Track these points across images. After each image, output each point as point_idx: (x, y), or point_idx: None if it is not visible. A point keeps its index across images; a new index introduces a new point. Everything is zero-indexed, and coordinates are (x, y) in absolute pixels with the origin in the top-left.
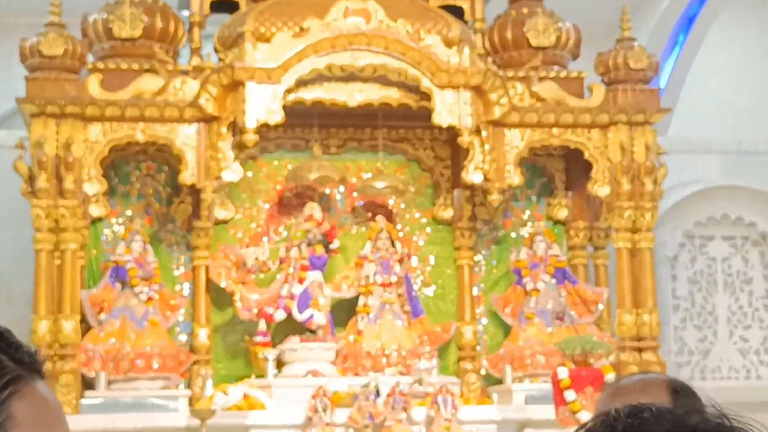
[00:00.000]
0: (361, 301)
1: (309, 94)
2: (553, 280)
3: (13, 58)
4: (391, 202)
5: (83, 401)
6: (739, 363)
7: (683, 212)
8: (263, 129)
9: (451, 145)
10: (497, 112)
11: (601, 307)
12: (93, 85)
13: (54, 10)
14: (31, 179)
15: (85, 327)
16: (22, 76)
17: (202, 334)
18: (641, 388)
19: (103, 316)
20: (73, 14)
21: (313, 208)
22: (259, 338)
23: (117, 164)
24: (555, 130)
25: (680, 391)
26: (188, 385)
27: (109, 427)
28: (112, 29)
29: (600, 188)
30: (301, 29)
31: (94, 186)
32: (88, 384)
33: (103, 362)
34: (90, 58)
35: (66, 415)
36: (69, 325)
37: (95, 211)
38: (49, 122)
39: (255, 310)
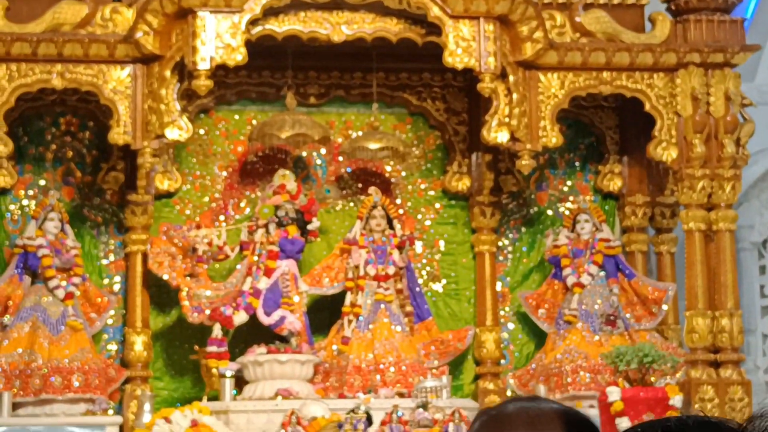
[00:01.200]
0: (349, 299)
1: (280, 26)
2: (602, 273)
3: None
4: (388, 168)
5: None
6: None
7: None
8: (220, 72)
9: (468, 94)
10: (529, 51)
11: (665, 308)
12: None
13: None
14: None
15: None
16: None
17: (139, 343)
18: (528, 421)
19: (7, 318)
20: None
21: (285, 177)
22: (212, 348)
23: (27, 118)
24: (605, 74)
25: (577, 426)
26: (119, 410)
27: None
28: None
29: (665, 151)
30: None
31: None
32: None
33: (6, 379)
34: None
35: None
36: None
37: None
38: None
39: (208, 311)
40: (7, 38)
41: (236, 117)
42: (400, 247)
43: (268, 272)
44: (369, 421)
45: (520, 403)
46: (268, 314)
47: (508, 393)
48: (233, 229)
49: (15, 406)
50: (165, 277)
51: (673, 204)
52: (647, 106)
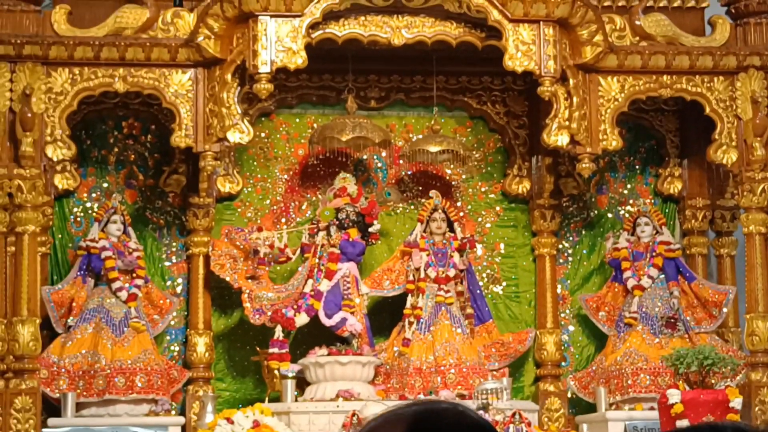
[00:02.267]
0: (410, 301)
1: (341, 30)
2: (663, 276)
3: None
4: (448, 171)
5: (45, 431)
6: None
7: None
8: (280, 75)
9: (528, 98)
10: (589, 54)
11: (725, 311)
12: (59, 20)
13: None
14: None
15: (48, 334)
16: None
17: (201, 344)
18: (382, 426)
19: (71, 319)
20: None
21: (346, 180)
22: (274, 350)
23: (89, 122)
24: (665, 78)
25: (422, 428)
26: (182, 411)
27: None
28: None
29: (725, 154)
30: None
31: (60, 150)
32: (51, 408)
33: (71, 380)
34: None
35: None
36: (27, 331)
37: (61, 182)
38: (2, 67)
39: (269, 313)
40: (70, 42)
41: (297, 120)
42: (461, 250)
43: (329, 274)
44: None
45: (397, 408)
46: (329, 316)
47: (569, 395)
48: (294, 232)
49: (79, 407)
50: (227, 279)
51: (733, 207)
52: (707, 110)
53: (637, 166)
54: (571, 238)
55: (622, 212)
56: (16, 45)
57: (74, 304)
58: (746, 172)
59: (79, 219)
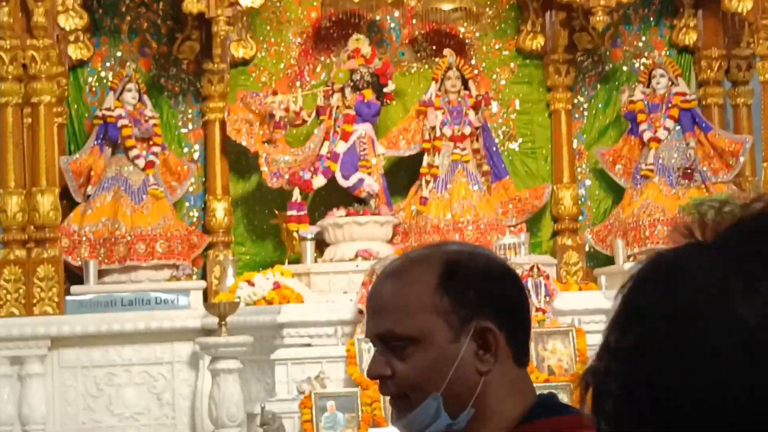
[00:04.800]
0: (426, 160)
1: None
2: (679, 127)
3: None
4: (462, 29)
5: (68, 298)
6: None
7: None
8: None
9: None
10: None
11: (742, 160)
12: None
13: None
14: None
15: (68, 203)
16: None
17: (220, 210)
18: (393, 269)
19: (90, 188)
20: None
21: (359, 41)
22: (292, 212)
23: None
24: None
25: (462, 272)
26: (203, 275)
27: (103, 330)
28: None
29: (740, 2)
30: None
31: (72, 20)
32: (74, 276)
33: (92, 248)
34: None
35: (48, 316)
36: (47, 201)
37: (75, 52)
38: None
39: (286, 176)
40: None
41: None
42: (476, 108)
43: (345, 136)
44: None
45: (418, 250)
46: (346, 177)
47: (586, 248)
48: (309, 95)
49: (100, 274)
50: (243, 143)
51: (749, 56)
52: None
53: (651, 18)
54: (586, 93)
55: (637, 65)
56: None
57: (92, 173)
58: (762, 19)
59: (94, 89)
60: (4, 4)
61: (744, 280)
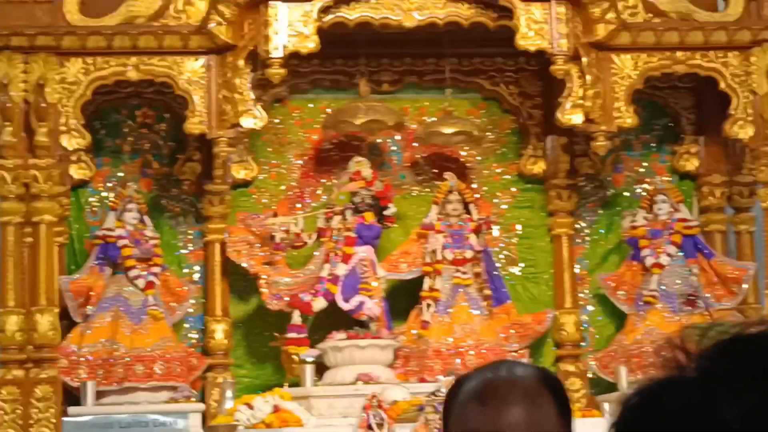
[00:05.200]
0: (427, 283)
1: (352, 13)
2: (681, 253)
3: None
4: (463, 153)
5: (66, 419)
6: None
7: None
8: (293, 61)
9: (541, 78)
10: (602, 32)
11: (745, 287)
12: (71, 10)
13: None
14: None
15: (67, 323)
16: None
17: (219, 331)
18: (525, 394)
19: (89, 308)
20: None
21: (360, 164)
22: (292, 335)
23: (103, 111)
24: (679, 54)
25: (556, 386)
26: (202, 397)
27: None
28: None
29: (741, 129)
30: None
31: (74, 140)
32: (72, 397)
33: (90, 369)
34: None
35: None
36: (46, 321)
37: (77, 172)
38: (15, 58)
39: (287, 299)
40: (83, 32)
41: (310, 105)
42: (477, 232)
43: (346, 258)
44: None
45: (504, 372)
46: (346, 300)
47: (589, 375)
48: (310, 217)
49: (99, 395)
50: (244, 264)
51: (750, 183)
52: (722, 85)
53: (652, 144)
54: (588, 218)
55: (638, 190)
56: (30, 36)
57: (92, 293)
58: (763, 146)
59: (95, 209)
60: (7, 123)
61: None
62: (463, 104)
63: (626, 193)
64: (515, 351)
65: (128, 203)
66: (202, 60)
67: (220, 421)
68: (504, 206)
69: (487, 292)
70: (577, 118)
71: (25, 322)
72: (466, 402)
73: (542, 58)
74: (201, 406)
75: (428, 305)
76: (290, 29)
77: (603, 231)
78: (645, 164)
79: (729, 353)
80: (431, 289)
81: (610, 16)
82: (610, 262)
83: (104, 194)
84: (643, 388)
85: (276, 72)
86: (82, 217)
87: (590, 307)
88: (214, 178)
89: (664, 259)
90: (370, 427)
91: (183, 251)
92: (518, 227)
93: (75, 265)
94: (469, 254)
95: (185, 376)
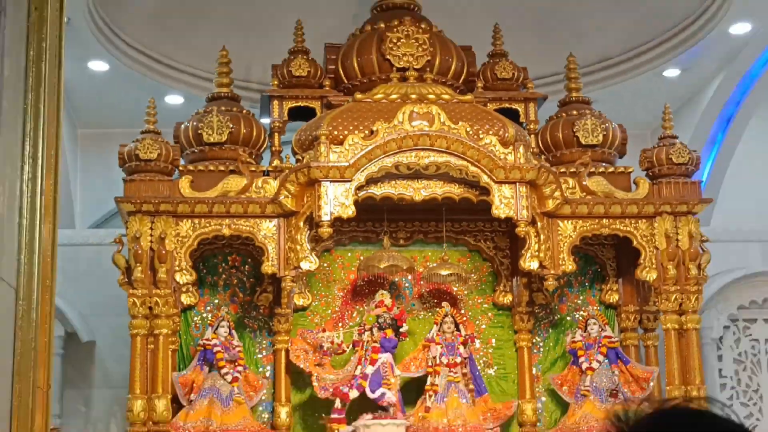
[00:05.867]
0: (429, 380)
1: (378, 190)
2: (607, 360)
3: (112, 165)
4: (455, 289)
5: None
6: None
7: (727, 296)
8: (337, 223)
9: (509, 236)
10: (551, 205)
11: (652, 384)
12: (184, 186)
13: (149, 119)
14: (127, 271)
15: (176, 406)
16: (120, 179)
17: (283, 413)
18: None
19: (192, 395)
20: (165, 123)
21: (383, 295)
22: (334, 415)
23: (205, 257)
24: (605, 221)
25: None
26: None
27: None
28: (201, 135)
29: (648, 274)
30: (371, 132)
31: (184, 276)
32: None
33: None
34: (181, 161)
35: None
36: (162, 404)
37: (186, 299)
38: (145, 219)
39: (331, 390)
40: (192, 201)
41: (349, 254)
42: (465, 344)
43: (373, 362)
44: None
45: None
46: (373, 391)
47: None
48: (348, 332)
49: None
50: (301, 366)
51: (655, 311)
52: (634, 243)
53: (586, 283)
54: (541, 335)
55: (577, 316)
56: (155, 203)
57: (194, 384)
58: (663, 286)
59: (198, 324)
60: (137, 264)
61: None
62: (455, 254)
63: (568, 318)
64: (491, 428)
65: (221, 321)
66: (274, 222)
67: None
68: (483, 326)
69: (472, 387)
70: (534, 265)
71: (147, 405)
72: None
73: (510, 222)
74: None
75: (430, 396)
76: (335, 201)
77: (552, 344)
78: (581, 297)
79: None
80: (432, 385)
81: (557, 194)
82: (557, 366)
83: (204, 315)
84: None
85: (325, 231)
86: (188, 331)
87: (543, 398)
88: (282, 304)
89: (594, 365)
90: None
91: (259, 356)
92: (493, 341)
93: (183, 365)
94: (458, 360)
95: None
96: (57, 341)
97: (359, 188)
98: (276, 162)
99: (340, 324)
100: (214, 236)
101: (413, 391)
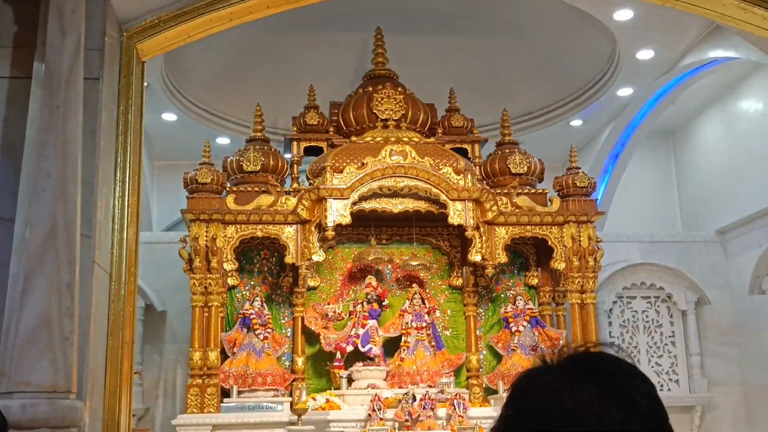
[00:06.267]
0: (403, 339)
1: (368, 205)
2: (529, 325)
3: (178, 187)
4: (422, 275)
5: (222, 405)
6: (655, 381)
7: (615, 280)
8: (338, 228)
9: (460, 237)
10: (490, 216)
11: (561, 342)
12: (229, 201)
13: (205, 155)
14: (189, 261)
15: (224, 356)
16: (184, 196)
17: (300, 361)
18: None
19: (235, 349)
20: (216, 157)
21: (371, 279)
22: (336, 364)
23: (245, 251)
24: (528, 227)
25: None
26: (290, 394)
27: (239, 421)
28: (242, 166)
29: (559, 264)
30: (362, 164)
31: (230, 265)
32: (225, 393)
33: (235, 379)
34: (228, 184)
35: (211, 414)
36: (213, 355)
37: (231, 281)
38: (201, 225)
39: (333, 345)
40: (235, 213)
41: (346, 250)
42: (429, 313)
43: (363, 326)
44: (414, 398)
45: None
46: (363, 346)
47: (484, 385)
48: (346, 305)
49: (239, 393)
50: (312, 329)
51: (564, 290)
52: (549, 242)
53: (515, 271)
54: (483, 307)
55: (508, 294)
56: (209, 214)
57: (236, 341)
58: (569, 273)
59: (239, 299)
60: (197, 257)
61: (569, 383)
62: (422, 250)
63: (502, 295)
64: (447, 373)
65: (256, 297)
66: (293, 227)
67: (299, 407)
68: (442, 301)
69: (433, 344)
70: (478, 258)
71: (203, 356)
72: None
73: (461, 228)
74: (289, 399)
75: (404, 350)
76: (337, 213)
77: (490, 314)
78: (511, 281)
79: (576, 360)
80: (405, 342)
81: (494, 208)
82: (494, 329)
83: (244, 292)
84: (524, 374)
85: (330, 233)
86: (233, 304)
87: (484, 352)
88: (299, 285)
89: (521, 328)
90: (374, 410)
91: (282, 321)
92: (449, 311)
93: (228, 327)
94: (424, 324)
95: (282, 384)
96: (138, 311)
97: (354, 204)
98: (295, 185)
99: (340, 299)
100: (251, 237)
101: (392, 346)
